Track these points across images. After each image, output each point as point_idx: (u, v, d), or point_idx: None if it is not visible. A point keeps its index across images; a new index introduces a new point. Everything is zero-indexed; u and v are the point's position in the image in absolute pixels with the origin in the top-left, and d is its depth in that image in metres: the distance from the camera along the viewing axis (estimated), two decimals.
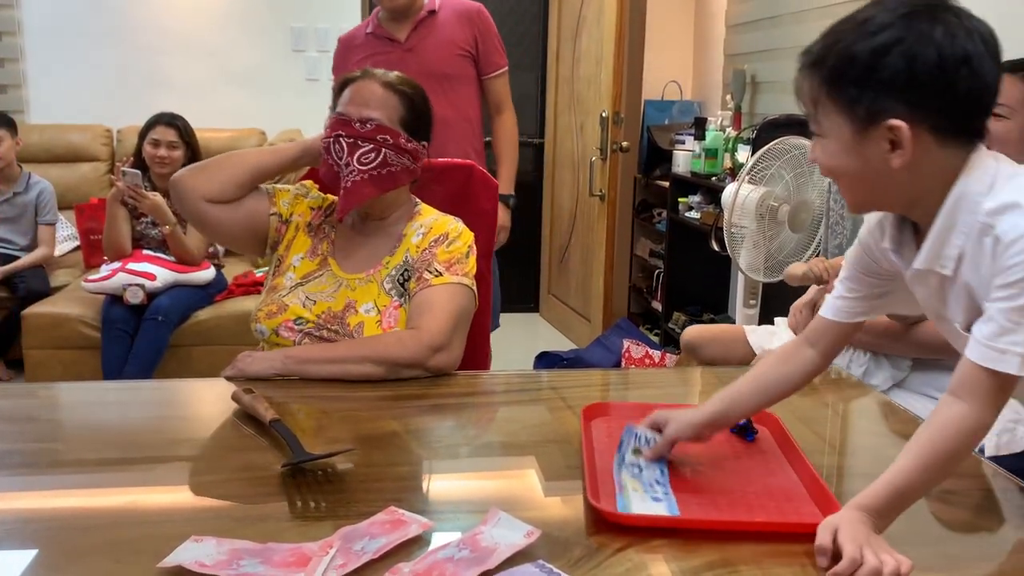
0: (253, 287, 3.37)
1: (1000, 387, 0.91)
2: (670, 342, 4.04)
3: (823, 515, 0.95)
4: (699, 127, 3.80)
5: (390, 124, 1.54)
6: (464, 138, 2.67)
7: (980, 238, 0.92)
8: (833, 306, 1.13)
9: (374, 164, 1.53)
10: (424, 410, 1.37)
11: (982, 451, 1.55)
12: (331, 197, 1.69)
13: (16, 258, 3.55)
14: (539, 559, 0.88)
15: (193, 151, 3.29)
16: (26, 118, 4.23)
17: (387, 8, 2.63)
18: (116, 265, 3.11)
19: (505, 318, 2.90)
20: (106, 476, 1.12)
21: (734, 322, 3.31)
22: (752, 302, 3.05)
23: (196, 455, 1.20)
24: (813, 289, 2.27)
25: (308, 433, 1.21)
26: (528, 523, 0.93)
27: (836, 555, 0.88)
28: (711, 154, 3.67)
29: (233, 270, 3.55)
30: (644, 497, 1.03)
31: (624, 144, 3.91)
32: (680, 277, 4.02)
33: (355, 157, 1.52)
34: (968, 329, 0.95)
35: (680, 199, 3.86)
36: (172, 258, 3.19)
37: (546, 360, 3.78)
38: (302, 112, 4.11)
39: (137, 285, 3.04)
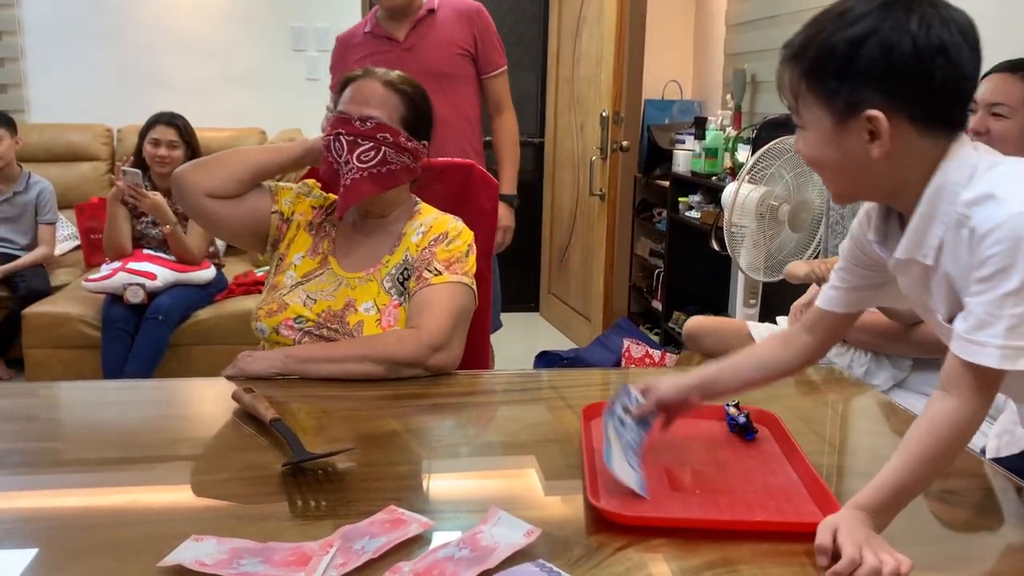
0: (253, 286, 3.37)
1: (984, 380, 0.91)
2: (670, 341, 4.04)
3: (823, 514, 0.95)
4: (699, 127, 3.80)
5: (390, 123, 1.55)
6: (463, 137, 2.67)
7: (958, 229, 0.93)
8: (828, 296, 1.15)
9: (374, 162, 1.53)
10: (424, 409, 1.37)
11: (983, 452, 1.56)
12: (333, 196, 1.69)
13: (16, 257, 3.56)
14: (539, 558, 0.88)
15: (193, 150, 3.29)
16: (26, 117, 4.23)
17: (386, 7, 2.63)
18: (116, 264, 3.11)
19: (505, 317, 2.90)
20: (106, 475, 1.12)
21: None
22: (752, 301, 3.05)
23: (196, 454, 1.20)
24: (813, 288, 2.28)
25: (308, 432, 1.21)
26: (528, 522, 0.93)
27: (836, 555, 0.88)
28: (711, 154, 3.67)
29: (233, 269, 3.55)
30: (623, 458, 1.06)
31: (624, 144, 3.91)
32: (680, 277, 4.02)
33: (355, 155, 1.52)
34: (950, 321, 0.95)
35: (680, 199, 3.86)
36: (172, 257, 3.19)
37: (546, 359, 3.78)
38: (302, 112, 4.11)
39: (137, 284, 3.04)
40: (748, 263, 2.83)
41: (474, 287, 1.57)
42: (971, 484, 1.13)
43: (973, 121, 1.79)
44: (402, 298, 1.56)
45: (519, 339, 4.23)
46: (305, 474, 1.08)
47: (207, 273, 3.27)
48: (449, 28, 2.65)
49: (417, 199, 1.69)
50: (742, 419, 1.22)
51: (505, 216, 2.78)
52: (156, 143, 3.22)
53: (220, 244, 3.49)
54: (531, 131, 4.84)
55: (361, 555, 0.88)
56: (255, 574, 0.85)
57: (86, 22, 4.23)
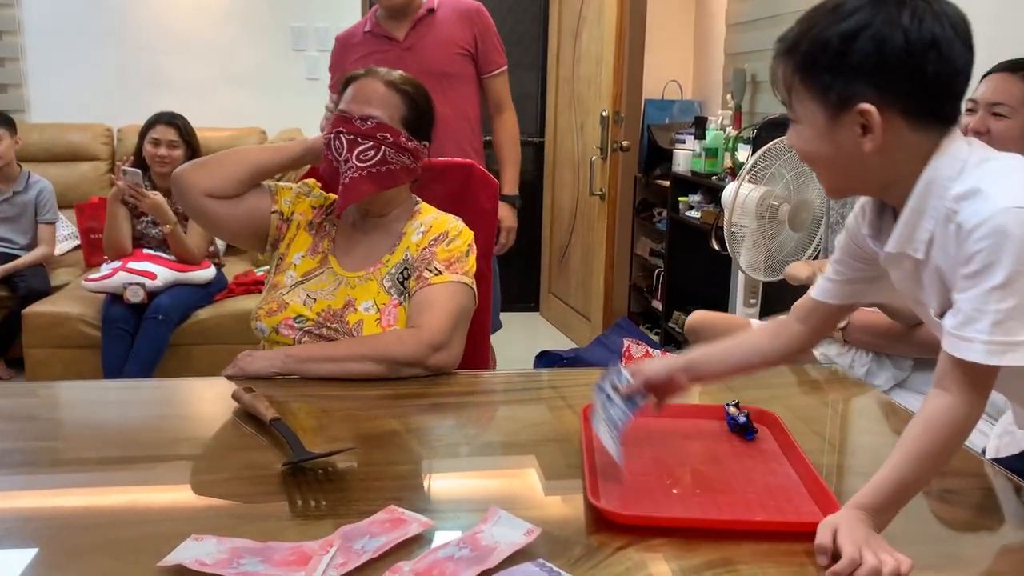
0: (253, 286, 3.37)
1: (975, 376, 0.91)
2: (670, 341, 4.04)
3: (823, 514, 0.95)
4: (699, 126, 3.80)
5: (391, 123, 1.55)
6: (463, 137, 2.67)
7: (946, 223, 0.93)
8: (822, 287, 1.16)
9: (373, 161, 1.53)
10: (424, 409, 1.37)
11: (984, 453, 1.56)
12: (333, 196, 1.69)
13: (16, 257, 3.56)
14: (539, 558, 0.88)
15: (194, 150, 3.29)
16: (27, 117, 4.23)
17: (385, 6, 2.62)
18: (116, 264, 3.11)
19: (505, 317, 2.90)
20: (106, 475, 1.12)
21: None
22: (752, 301, 3.05)
23: (196, 454, 1.20)
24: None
25: (308, 432, 1.21)
26: (528, 522, 0.93)
27: (836, 555, 0.88)
28: (711, 153, 3.67)
29: (233, 269, 3.55)
30: (609, 430, 1.09)
31: (624, 143, 3.91)
32: (680, 276, 4.02)
33: (355, 154, 1.52)
34: (942, 315, 0.96)
35: (680, 198, 3.86)
36: (172, 257, 3.19)
37: (546, 359, 3.78)
38: (302, 111, 4.11)
39: (137, 284, 3.04)
40: (748, 263, 2.83)
41: (474, 287, 1.57)
42: (971, 484, 1.13)
43: (974, 121, 1.79)
44: (402, 297, 1.56)
45: (519, 339, 4.23)
46: (305, 474, 1.08)
47: (207, 273, 3.27)
48: (449, 27, 2.65)
49: (417, 199, 1.69)
50: (742, 419, 1.22)
51: (508, 217, 2.78)
52: (156, 143, 3.22)
53: (220, 244, 3.49)
54: (531, 131, 4.84)
55: (361, 555, 0.88)
56: (255, 574, 0.85)
57: (86, 22, 4.23)
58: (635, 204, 4.55)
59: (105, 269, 3.12)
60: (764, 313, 2.97)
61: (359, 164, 1.52)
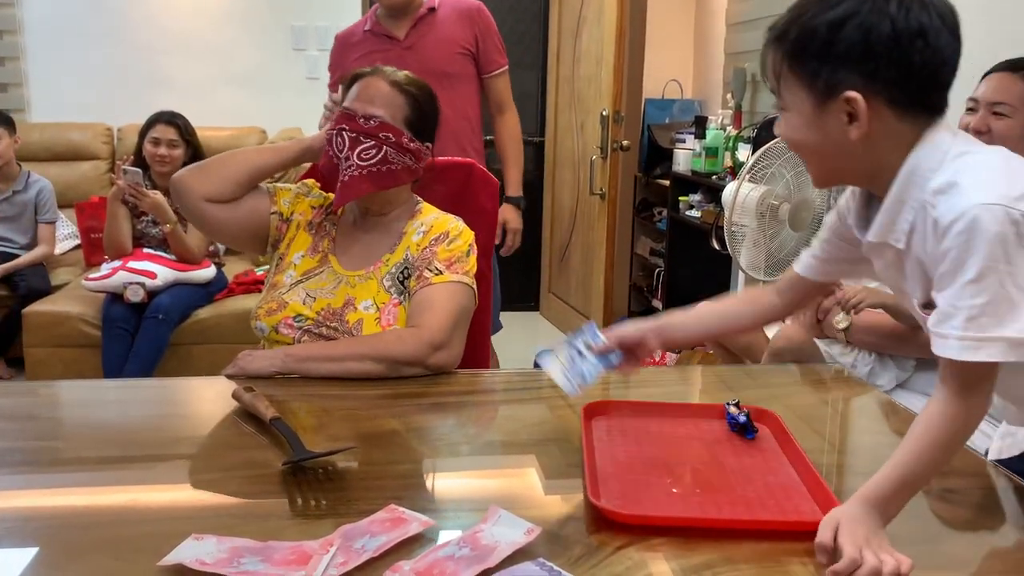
0: (254, 285, 3.37)
1: (966, 373, 0.91)
2: None
3: (823, 513, 0.95)
4: (699, 126, 3.80)
5: (394, 123, 1.55)
6: (464, 137, 2.66)
7: (925, 216, 0.93)
8: (805, 263, 1.18)
9: (374, 161, 1.53)
10: (424, 408, 1.37)
11: (986, 454, 1.56)
12: (333, 196, 1.69)
13: (16, 256, 3.56)
14: (539, 557, 0.88)
15: (194, 149, 3.29)
16: (27, 116, 4.23)
17: (386, 5, 2.61)
18: (117, 263, 3.11)
19: (506, 317, 2.90)
20: (107, 474, 1.12)
21: None
22: None
23: (196, 453, 1.20)
24: None
25: (309, 431, 1.21)
26: (528, 521, 0.93)
27: (837, 553, 0.88)
28: (711, 153, 3.67)
29: (233, 268, 3.55)
30: (562, 370, 1.16)
31: (624, 143, 3.91)
32: (681, 276, 4.02)
33: (356, 152, 1.52)
34: (924, 306, 0.97)
35: (680, 198, 3.86)
36: (173, 256, 3.19)
37: None
38: (302, 111, 4.11)
39: (138, 283, 3.04)
40: (748, 262, 2.83)
41: (474, 287, 1.57)
42: (972, 484, 1.13)
43: (975, 120, 1.80)
44: (402, 297, 1.56)
45: (519, 338, 4.23)
46: (305, 473, 1.08)
47: (207, 272, 3.27)
48: (450, 27, 2.64)
49: (419, 199, 1.69)
50: (742, 418, 1.22)
51: (513, 219, 2.78)
52: (156, 142, 3.22)
53: (220, 243, 3.49)
54: (531, 130, 4.84)
55: (361, 554, 0.88)
56: (255, 573, 0.85)
57: (86, 21, 4.23)
58: (635, 203, 4.55)
59: (105, 268, 3.12)
60: None
61: (359, 163, 1.52)
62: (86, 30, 4.23)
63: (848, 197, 1.10)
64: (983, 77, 1.84)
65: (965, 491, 1.11)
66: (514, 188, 2.78)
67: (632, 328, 1.22)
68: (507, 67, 2.76)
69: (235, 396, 1.29)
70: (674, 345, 1.27)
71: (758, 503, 1.03)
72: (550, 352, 1.19)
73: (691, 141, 3.87)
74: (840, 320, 2.19)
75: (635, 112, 4.35)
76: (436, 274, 1.53)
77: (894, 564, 0.85)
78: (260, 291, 2.95)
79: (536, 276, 5.00)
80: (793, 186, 2.74)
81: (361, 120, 1.53)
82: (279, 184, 1.70)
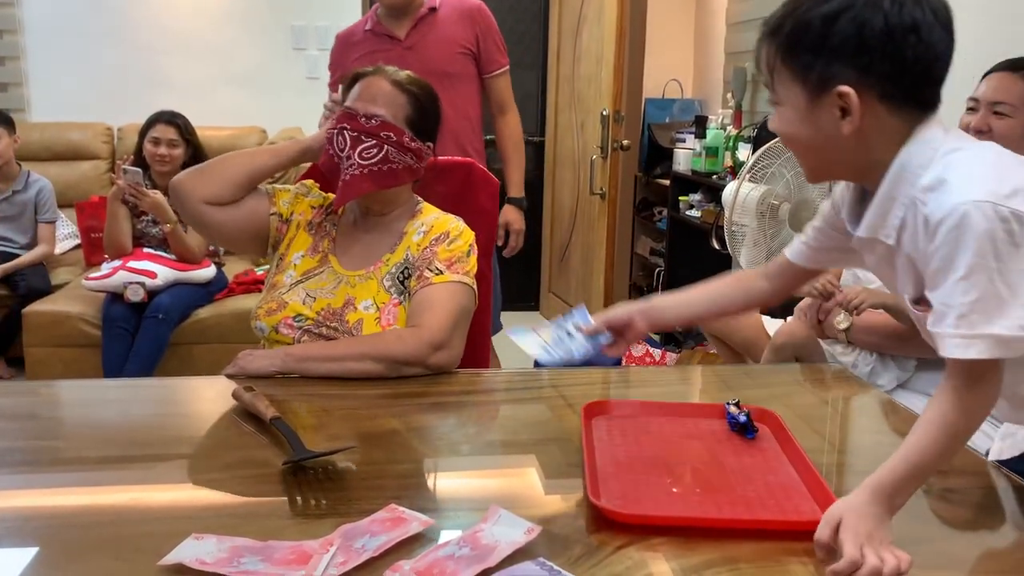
0: (254, 285, 3.37)
1: (968, 370, 0.91)
2: (670, 341, 4.04)
3: (823, 513, 0.94)
4: (700, 125, 3.80)
5: (395, 122, 1.55)
6: (464, 137, 2.66)
7: (915, 213, 0.94)
8: (797, 249, 1.20)
9: (375, 160, 1.53)
10: (425, 408, 1.37)
11: (987, 454, 1.56)
12: (332, 196, 1.69)
13: (16, 256, 3.56)
14: (539, 557, 0.88)
15: (195, 149, 3.29)
16: (27, 116, 4.23)
17: (386, 5, 2.61)
18: (117, 263, 3.11)
19: (506, 316, 2.90)
20: (107, 474, 1.12)
21: None
22: None
23: (197, 453, 1.20)
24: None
25: (309, 431, 1.21)
26: (528, 521, 0.93)
27: (838, 549, 0.87)
28: (712, 152, 3.67)
29: (234, 268, 3.55)
30: (543, 345, 1.19)
31: (625, 142, 3.90)
32: (681, 275, 4.01)
33: (357, 151, 1.52)
34: (916, 302, 0.98)
35: (681, 197, 3.86)
36: (173, 256, 3.19)
37: None
38: (303, 111, 4.11)
39: (138, 283, 3.04)
40: (749, 262, 2.83)
41: (475, 287, 1.57)
42: (972, 484, 1.13)
43: (975, 120, 1.80)
44: (402, 297, 1.56)
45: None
46: (305, 472, 1.08)
47: (207, 272, 3.27)
48: (451, 27, 2.64)
49: (419, 199, 1.69)
50: (742, 418, 1.22)
51: (516, 220, 2.77)
52: (156, 142, 3.22)
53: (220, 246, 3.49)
54: (531, 130, 4.84)
55: (362, 553, 0.88)
56: (255, 572, 0.85)
57: (86, 21, 4.23)
58: (635, 203, 4.54)
59: (105, 268, 3.12)
60: (763, 310, 2.97)
61: (361, 162, 1.52)
62: (86, 30, 4.23)
63: (843, 188, 1.10)
64: (983, 77, 1.84)
65: (965, 491, 1.11)
66: (516, 189, 2.78)
67: (620, 310, 1.24)
68: (508, 67, 2.75)
69: (235, 396, 1.29)
70: (662, 327, 1.28)
71: (758, 503, 1.03)
72: (526, 330, 1.23)
73: (691, 141, 3.87)
74: (841, 321, 2.20)
75: (635, 111, 4.36)
76: (436, 274, 1.53)
77: (895, 563, 0.85)
78: (260, 291, 2.95)
79: (536, 276, 5.00)
80: (793, 186, 2.74)
81: (363, 119, 1.53)
82: (278, 186, 1.70)
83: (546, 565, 0.86)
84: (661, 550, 0.92)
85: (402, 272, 1.57)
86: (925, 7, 0.92)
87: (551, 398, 1.44)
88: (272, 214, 1.65)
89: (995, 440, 1.59)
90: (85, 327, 3.10)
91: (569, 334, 1.22)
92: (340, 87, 1.67)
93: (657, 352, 3.57)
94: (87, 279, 3.14)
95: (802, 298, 2.34)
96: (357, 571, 0.86)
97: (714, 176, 3.60)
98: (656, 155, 4.32)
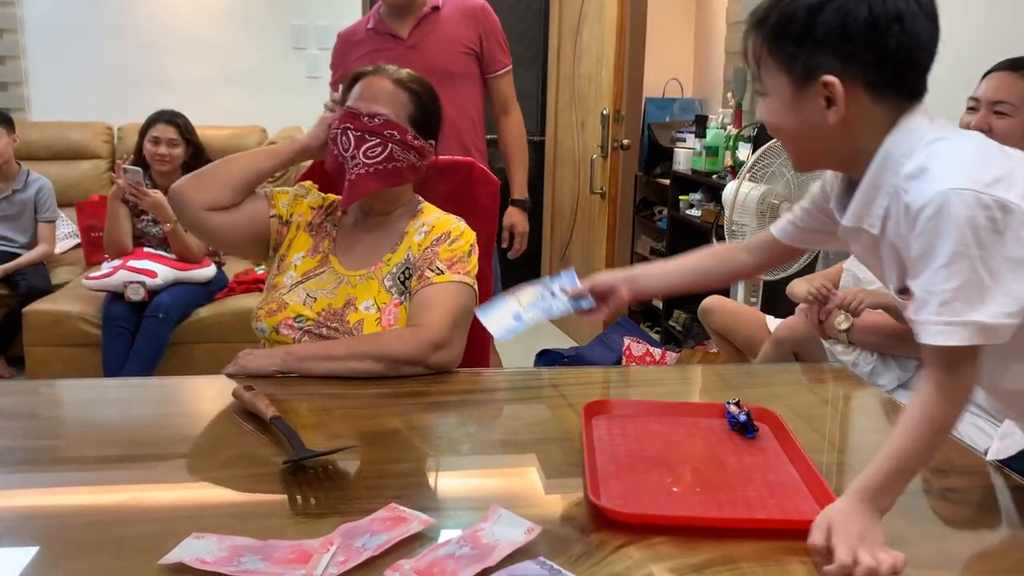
0: (254, 284, 3.37)
1: (948, 358, 0.91)
2: (671, 340, 4.04)
3: None
4: (700, 125, 3.80)
5: (398, 120, 1.55)
6: (466, 136, 2.66)
7: (898, 201, 0.94)
8: (782, 227, 1.21)
9: (380, 158, 1.53)
10: (425, 407, 1.37)
11: (986, 453, 1.56)
12: (332, 196, 1.69)
13: (16, 256, 3.56)
14: (539, 556, 0.88)
15: (195, 148, 3.29)
16: (27, 115, 4.23)
17: (389, 3, 2.60)
18: (117, 262, 3.11)
19: None
20: (107, 473, 1.12)
21: None
22: (753, 300, 3.05)
23: (197, 452, 1.20)
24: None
25: (309, 430, 1.21)
26: (529, 520, 0.93)
27: (832, 553, 0.87)
28: (712, 152, 3.67)
29: (234, 267, 3.55)
30: (509, 310, 1.22)
31: (625, 142, 3.91)
32: None
33: (361, 151, 1.52)
34: (900, 292, 0.98)
35: (681, 197, 3.86)
36: (173, 255, 3.19)
37: (547, 358, 3.78)
38: (303, 110, 4.11)
39: (138, 282, 3.04)
40: None
41: (476, 287, 1.57)
42: (972, 483, 1.13)
43: (976, 119, 1.80)
44: (403, 297, 1.56)
45: (520, 337, 4.22)
46: (306, 472, 1.09)
47: (207, 271, 3.27)
48: (454, 26, 2.63)
49: (420, 199, 1.69)
50: (743, 417, 1.22)
51: (520, 222, 2.77)
52: (156, 141, 3.22)
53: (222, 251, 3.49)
54: (532, 129, 4.82)
55: (362, 553, 0.88)
56: (255, 572, 0.85)
57: (86, 20, 4.23)
58: (635, 202, 4.55)
59: (106, 267, 3.12)
60: (764, 309, 2.97)
61: (366, 161, 1.52)
62: (86, 29, 4.23)
63: (834, 173, 1.10)
64: (984, 76, 1.84)
65: (965, 490, 1.11)
66: (519, 191, 2.77)
67: (605, 277, 1.26)
68: (511, 67, 2.74)
69: (235, 395, 1.29)
70: (644, 295, 1.30)
71: (758, 502, 1.03)
72: (501, 298, 1.26)
73: (691, 140, 3.87)
74: (842, 322, 2.20)
75: (635, 111, 4.36)
76: (437, 274, 1.53)
77: (891, 561, 0.85)
78: (260, 290, 2.95)
79: (536, 275, 4.96)
80: (793, 185, 2.74)
81: (366, 119, 1.53)
82: (276, 188, 1.70)
83: (546, 564, 0.86)
84: (661, 549, 0.92)
85: (403, 272, 1.57)
86: None
87: (551, 397, 1.44)
88: (272, 217, 1.65)
89: (994, 440, 1.59)
90: (85, 326, 3.10)
91: (553, 294, 1.24)
92: (341, 87, 1.67)
93: (657, 351, 3.57)
94: (87, 278, 3.14)
95: (800, 294, 2.35)
96: (357, 570, 0.86)
97: (714, 175, 3.60)
98: (656, 154, 4.32)
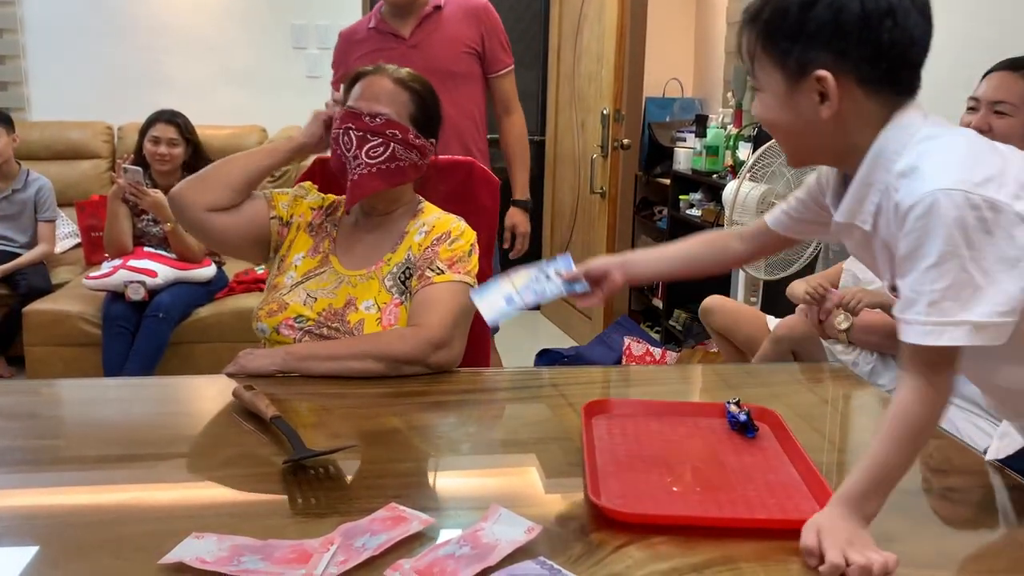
0: (254, 284, 3.37)
1: (929, 358, 0.91)
2: (671, 339, 4.04)
3: None
4: (700, 124, 3.80)
5: (399, 120, 1.55)
6: (468, 136, 2.65)
7: (889, 199, 0.94)
8: (776, 217, 1.22)
9: (382, 158, 1.53)
10: (425, 407, 1.37)
11: (985, 453, 1.56)
12: (331, 197, 1.69)
13: (16, 255, 3.56)
14: (540, 556, 0.88)
15: (195, 148, 3.29)
16: (27, 115, 4.23)
17: (390, 3, 2.60)
18: (117, 262, 3.11)
19: None
20: (107, 473, 1.12)
21: None
22: (753, 299, 3.05)
23: (197, 452, 1.20)
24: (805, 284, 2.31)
25: (309, 430, 1.21)
26: (529, 520, 0.93)
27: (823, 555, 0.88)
28: (712, 151, 3.67)
29: (234, 267, 3.55)
30: (502, 293, 1.22)
31: (625, 141, 3.91)
32: None
33: (363, 150, 1.52)
34: (892, 288, 0.98)
35: (681, 196, 3.86)
36: (173, 255, 3.19)
37: (547, 357, 3.78)
38: (303, 110, 4.05)
39: (138, 282, 3.04)
40: None
41: (476, 287, 1.57)
42: (971, 482, 1.13)
43: (976, 119, 1.80)
44: (403, 297, 1.56)
45: (520, 337, 4.23)
46: (306, 471, 1.09)
47: (208, 271, 3.27)
48: (456, 26, 2.62)
49: (421, 199, 1.69)
50: (743, 417, 1.22)
51: (522, 222, 2.77)
52: (156, 141, 3.22)
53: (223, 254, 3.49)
54: (532, 129, 4.80)
55: (362, 552, 0.88)
56: (256, 571, 0.85)
57: (86, 20, 4.23)
58: (636, 202, 4.54)
59: (106, 267, 3.13)
60: (764, 309, 2.97)
61: (368, 160, 1.53)
62: (86, 29, 4.23)
63: (828, 171, 1.11)
64: (984, 76, 1.84)
65: (965, 490, 1.11)
66: (521, 191, 2.77)
67: (599, 261, 1.26)
68: (513, 67, 2.74)
69: (236, 394, 1.29)
70: (637, 280, 1.30)
71: (758, 502, 1.03)
72: (494, 282, 1.25)
73: (692, 140, 3.87)
74: (841, 321, 2.20)
75: (636, 110, 4.35)
76: (438, 273, 1.53)
77: (882, 561, 0.85)
78: (261, 290, 2.95)
79: None
80: (794, 185, 2.74)
81: (367, 118, 1.53)
82: (276, 190, 1.70)
83: (546, 564, 0.86)
84: (661, 549, 0.92)
85: (403, 272, 1.57)
86: None
87: (551, 397, 1.44)
88: (272, 218, 1.65)
89: (994, 439, 1.59)
90: (85, 326, 3.10)
91: (547, 277, 1.25)
92: (341, 87, 1.67)
93: (657, 351, 3.57)
94: (87, 278, 3.14)
95: (798, 294, 2.35)
96: (357, 570, 0.86)
97: (714, 175, 3.60)
98: (656, 154, 4.32)
